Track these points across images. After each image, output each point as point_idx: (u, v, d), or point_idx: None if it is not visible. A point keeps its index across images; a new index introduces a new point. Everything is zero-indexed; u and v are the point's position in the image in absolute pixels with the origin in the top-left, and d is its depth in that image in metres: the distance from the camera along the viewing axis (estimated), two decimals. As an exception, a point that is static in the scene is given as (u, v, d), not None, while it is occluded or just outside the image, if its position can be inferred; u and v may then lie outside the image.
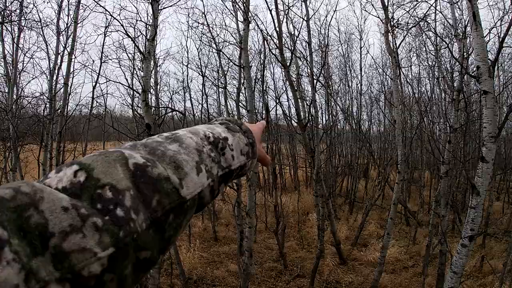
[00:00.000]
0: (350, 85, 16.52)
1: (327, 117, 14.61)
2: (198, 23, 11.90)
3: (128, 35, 5.55)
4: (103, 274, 0.36)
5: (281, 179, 15.73)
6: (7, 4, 7.60)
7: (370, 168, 17.82)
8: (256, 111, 13.30)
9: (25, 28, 8.56)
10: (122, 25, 5.58)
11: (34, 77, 10.42)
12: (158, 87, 11.83)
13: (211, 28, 10.91)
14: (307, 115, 8.95)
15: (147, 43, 5.47)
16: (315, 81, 8.82)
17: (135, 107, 11.59)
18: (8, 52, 8.68)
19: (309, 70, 9.49)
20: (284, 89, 15.53)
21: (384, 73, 15.15)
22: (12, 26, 8.37)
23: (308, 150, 7.74)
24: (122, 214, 0.40)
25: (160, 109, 9.66)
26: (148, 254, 0.43)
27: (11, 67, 8.40)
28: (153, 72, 10.15)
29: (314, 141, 8.80)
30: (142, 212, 0.42)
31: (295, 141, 16.38)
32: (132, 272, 0.41)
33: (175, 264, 7.27)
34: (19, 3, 7.89)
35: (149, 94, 5.57)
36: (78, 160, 0.44)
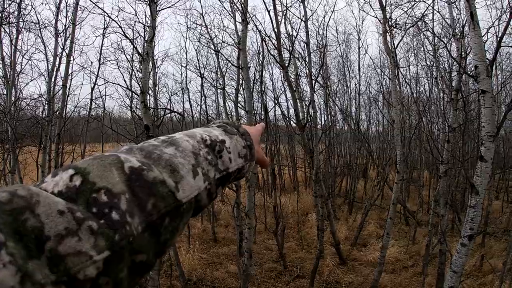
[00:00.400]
0: (348, 85, 16.52)
1: (325, 117, 14.57)
2: (197, 24, 11.94)
3: (126, 36, 5.54)
4: (98, 278, 0.37)
5: (280, 179, 15.74)
6: (5, 6, 7.60)
7: (369, 168, 17.83)
8: (255, 112, 13.30)
9: (23, 29, 8.55)
10: (120, 27, 5.58)
11: (32, 79, 10.42)
12: (157, 88, 11.83)
13: (209, 29, 10.94)
14: (305, 115, 8.96)
15: (145, 45, 5.47)
16: (313, 81, 8.82)
17: (134, 109, 11.60)
18: (6, 54, 8.68)
19: (307, 71, 9.49)
20: (283, 89, 15.58)
21: (382, 73, 15.15)
22: (10, 27, 8.36)
23: (307, 151, 7.73)
24: (117, 217, 0.40)
25: (159, 110, 9.67)
26: (144, 258, 0.43)
27: (9, 69, 8.39)
28: (151, 73, 10.16)
29: (313, 141, 8.80)
30: (138, 215, 0.42)
31: (294, 141, 16.41)
32: (127, 275, 0.41)
33: (174, 266, 7.26)
34: (17, 4, 7.89)
35: (148, 96, 5.58)
36: (74, 164, 0.44)
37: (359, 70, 15.69)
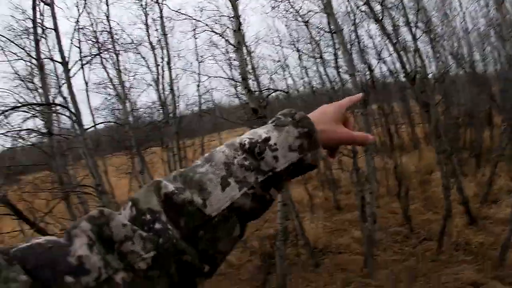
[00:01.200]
0: (453, 25, 14.98)
1: (436, 65, 13.48)
2: (277, 1, 11.80)
3: (215, 32, 5.78)
4: (148, 270, 0.53)
5: (398, 138, 15.11)
6: (98, 36, 8.53)
7: (493, 114, 16.06)
8: (359, 73, 12.80)
9: (121, 52, 9.32)
10: (206, 25, 5.86)
11: (142, 90, 11.47)
12: (256, 72, 12.05)
13: (292, 3, 10.76)
14: (413, 67, 8.43)
15: (234, 35, 5.64)
16: (413, 28, 8.24)
17: (240, 95, 12.01)
18: (114, 76, 9.54)
19: (404, 18, 8.90)
20: (384, 44, 14.73)
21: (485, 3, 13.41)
22: (109, 54, 9.11)
23: (422, 104, 7.32)
24: (160, 226, 0.55)
25: (263, 92, 9.89)
26: (188, 258, 0.56)
27: (119, 87, 9.19)
28: (248, 59, 10.39)
29: (426, 93, 8.25)
30: (175, 230, 0.56)
31: (408, 96, 15.51)
32: (176, 271, 0.55)
33: (299, 236, 7.47)
34: (108, 32, 8.64)
35: (249, 80, 5.76)
36: (131, 197, 0.60)
37: (460, 4, 14.10)
